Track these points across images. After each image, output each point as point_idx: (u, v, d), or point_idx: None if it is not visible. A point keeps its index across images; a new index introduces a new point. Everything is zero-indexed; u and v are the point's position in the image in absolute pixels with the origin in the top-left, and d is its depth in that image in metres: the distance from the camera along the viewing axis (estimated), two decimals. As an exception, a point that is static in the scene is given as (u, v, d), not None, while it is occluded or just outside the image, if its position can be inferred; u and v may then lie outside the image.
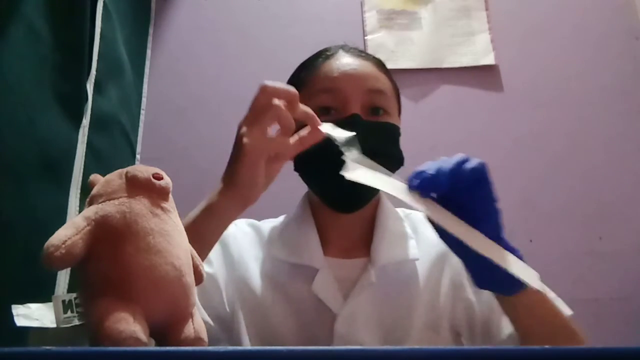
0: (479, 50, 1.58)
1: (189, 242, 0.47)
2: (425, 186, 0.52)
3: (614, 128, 1.51)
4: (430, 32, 1.59)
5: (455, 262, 0.74)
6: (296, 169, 0.78)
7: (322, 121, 0.69)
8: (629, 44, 1.59)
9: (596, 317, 1.33)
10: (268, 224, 0.86)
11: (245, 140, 0.59)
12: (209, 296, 0.76)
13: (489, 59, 1.57)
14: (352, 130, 0.66)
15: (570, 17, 1.62)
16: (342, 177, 0.68)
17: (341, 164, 0.66)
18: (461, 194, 0.54)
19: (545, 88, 1.55)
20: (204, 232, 0.62)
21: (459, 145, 1.51)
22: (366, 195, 0.76)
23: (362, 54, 0.81)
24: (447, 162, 0.54)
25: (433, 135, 1.50)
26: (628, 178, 1.47)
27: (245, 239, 0.83)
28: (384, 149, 0.73)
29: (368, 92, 0.75)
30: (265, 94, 0.60)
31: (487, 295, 0.70)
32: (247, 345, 0.73)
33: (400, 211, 0.86)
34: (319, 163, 0.71)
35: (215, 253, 0.79)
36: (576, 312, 1.41)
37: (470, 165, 0.55)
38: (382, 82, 0.79)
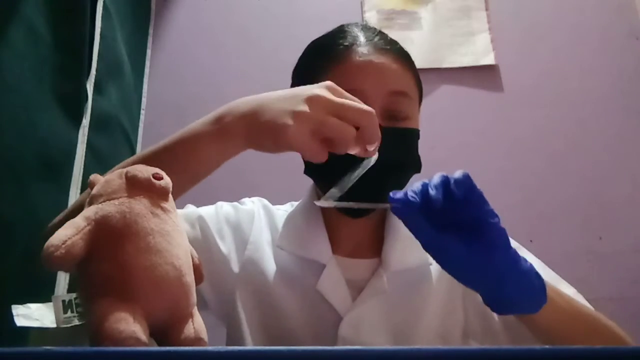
0: (479, 50, 1.58)
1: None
2: (404, 208, 0.50)
3: (614, 128, 1.51)
4: (430, 32, 1.59)
5: None
6: (306, 172, 0.75)
7: None
8: (629, 44, 1.59)
9: (596, 317, 1.33)
10: (279, 211, 0.82)
11: (293, 129, 0.51)
12: (217, 270, 0.73)
13: (489, 59, 1.57)
14: None
15: (570, 17, 1.62)
16: (354, 182, 0.67)
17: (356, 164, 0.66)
18: (454, 211, 0.50)
19: (545, 88, 1.56)
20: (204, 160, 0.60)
21: (459, 145, 1.51)
22: (380, 199, 0.73)
23: (385, 45, 0.73)
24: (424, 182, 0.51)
25: (433, 135, 1.50)
26: (628, 178, 1.47)
27: (261, 221, 0.79)
28: (400, 157, 0.70)
29: (388, 96, 0.69)
30: (365, 120, 0.53)
31: None
32: (244, 327, 0.70)
33: None
34: (332, 168, 0.66)
35: (229, 228, 0.77)
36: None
37: (453, 177, 0.50)
38: (405, 82, 0.72)
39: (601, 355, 0.32)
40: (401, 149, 0.70)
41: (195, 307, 0.45)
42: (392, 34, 0.76)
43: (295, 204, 0.83)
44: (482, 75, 1.56)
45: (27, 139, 0.85)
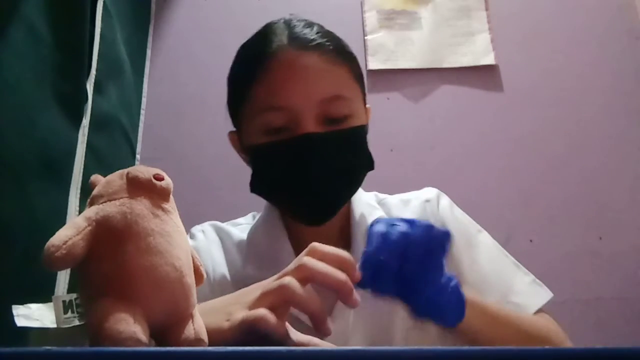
0: (479, 50, 1.58)
1: None
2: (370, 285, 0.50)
3: (614, 128, 1.51)
4: (430, 32, 1.59)
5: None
6: (254, 191, 0.72)
7: (272, 141, 0.66)
8: (630, 44, 1.59)
9: (596, 317, 1.33)
10: (235, 229, 0.79)
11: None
12: None
13: (489, 59, 1.57)
14: (306, 150, 0.63)
15: (570, 17, 1.62)
16: (308, 190, 0.65)
17: (302, 176, 0.64)
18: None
19: (545, 88, 1.56)
20: None
21: (459, 145, 1.51)
22: (336, 204, 0.70)
23: (311, 42, 0.68)
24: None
25: (433, 135, 1.51)
26: (628, 178, 1.47)
27: (217, 252, 0.76)
28: (346, 160, 0.67)
29: (320, 104, 0.65)
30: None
31: (474, 279, 0.70)
32: None
33: (374, 196, 0.81)
34: (280, 182, 0.67)
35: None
36: (577, 312, 1.41)
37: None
38: (337, 83, 0.68)
39: (601, 355, 0.32)
40: (347, 152, 0.67)
41: (196, 308, 0.45)
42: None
43: (257, 215, 0.80)
44: (482, 75, 1.56)
45: (27, 139, 0.85)
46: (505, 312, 0.66)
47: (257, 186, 0.72)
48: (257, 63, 0.68)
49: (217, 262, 0.75)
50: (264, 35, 0.72)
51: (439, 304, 0.52)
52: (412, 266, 0.50)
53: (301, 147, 0.64)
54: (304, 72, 0.66)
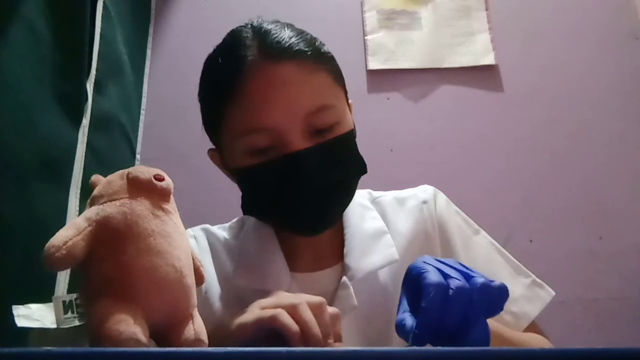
0: (479, 50, 1.58)
1: None
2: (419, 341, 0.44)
3: (614, 128, 1.51)
4: (430, 32, 1.59)
5: (426, 251, 0.68)
6: (247, 213, 0.69)
7: (260, 163, 0.62)
8: (629, 44, 1.59)
9: (596, 317, 1.33)
10: (226, 234, 0.77)
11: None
12: None
13: (489, 59, 1.57)
14: (297, 168, 0.60)
15: (570, 17, 1.62)
16: (303, 207, 0.63)
17: (296, 194, 0.62)
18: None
19: (545, 88, 1.56)
20: None
21: (459, 145, 1.51)
22: (334, 215, 0.68)
23: (286, 50, 0.62)
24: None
25: (433, 135, 1.50)
26: (628, 178, 1.47)
27: (208, 262, 0.73)
28: (338, 170, 0.64)
29: (306, 117, 0.61)
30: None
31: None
32: None
33: (367, 194, 0.78)
34: (274, 202, 0.64)
35: None
36: (577, 312, 1.41)
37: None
38: (320, 93, 0.63)
39: (601, 355, 0.32)
40: (338, 162, 0.64)
41: (196, 309, 0.45)
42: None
43: (246, 219, 0.77)
44: (482, 75, 1.56)
45: (27, 139, 0.85)
46: (517, 341, 0.63)
47: (250, 208, 0.69)
48: (230, 81, 0.63)
49: (207, 270, 0.72)
50: (233, 47, 0.66)
51: (466, 339, 0.47)
52: (472, 329, 0.45)
53: (291, 165, 0.61)
54: (283, 87, 0.61)
